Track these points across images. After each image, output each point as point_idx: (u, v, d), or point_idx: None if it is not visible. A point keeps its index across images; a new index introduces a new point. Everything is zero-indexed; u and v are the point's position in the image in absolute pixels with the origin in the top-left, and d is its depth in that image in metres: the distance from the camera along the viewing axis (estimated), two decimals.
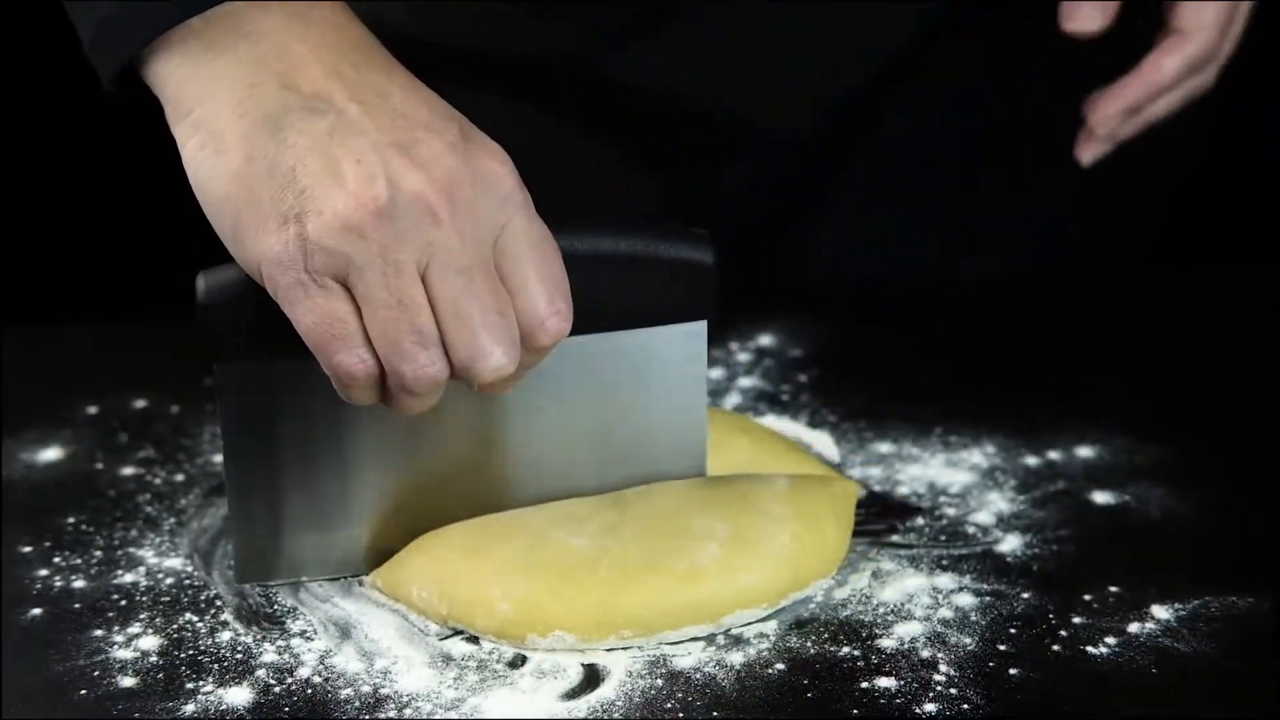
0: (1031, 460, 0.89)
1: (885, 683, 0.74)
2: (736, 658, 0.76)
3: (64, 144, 1.66)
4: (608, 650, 0.76)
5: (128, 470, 0.90)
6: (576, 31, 0.96)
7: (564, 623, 0.76)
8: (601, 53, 0.99)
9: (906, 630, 0.77)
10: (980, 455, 0.90)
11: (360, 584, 0.81)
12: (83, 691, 0.74)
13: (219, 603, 0.79)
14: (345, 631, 0.78)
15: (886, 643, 0.76)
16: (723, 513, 0.79)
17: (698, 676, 0.75)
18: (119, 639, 0.77)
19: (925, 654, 0.75)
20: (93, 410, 0.95)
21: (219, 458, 0.91)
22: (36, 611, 0.79)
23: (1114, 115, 0.97)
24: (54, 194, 1.67)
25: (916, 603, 0.79)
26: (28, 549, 0.83)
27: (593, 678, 0.75)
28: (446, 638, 0.77)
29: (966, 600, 0.79)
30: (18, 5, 1.61)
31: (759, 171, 1.08)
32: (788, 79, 1.03)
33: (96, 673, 0.75)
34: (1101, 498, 0.86)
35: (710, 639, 0.77)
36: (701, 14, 0.99)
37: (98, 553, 0.83)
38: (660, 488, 0.82)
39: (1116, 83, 0.97)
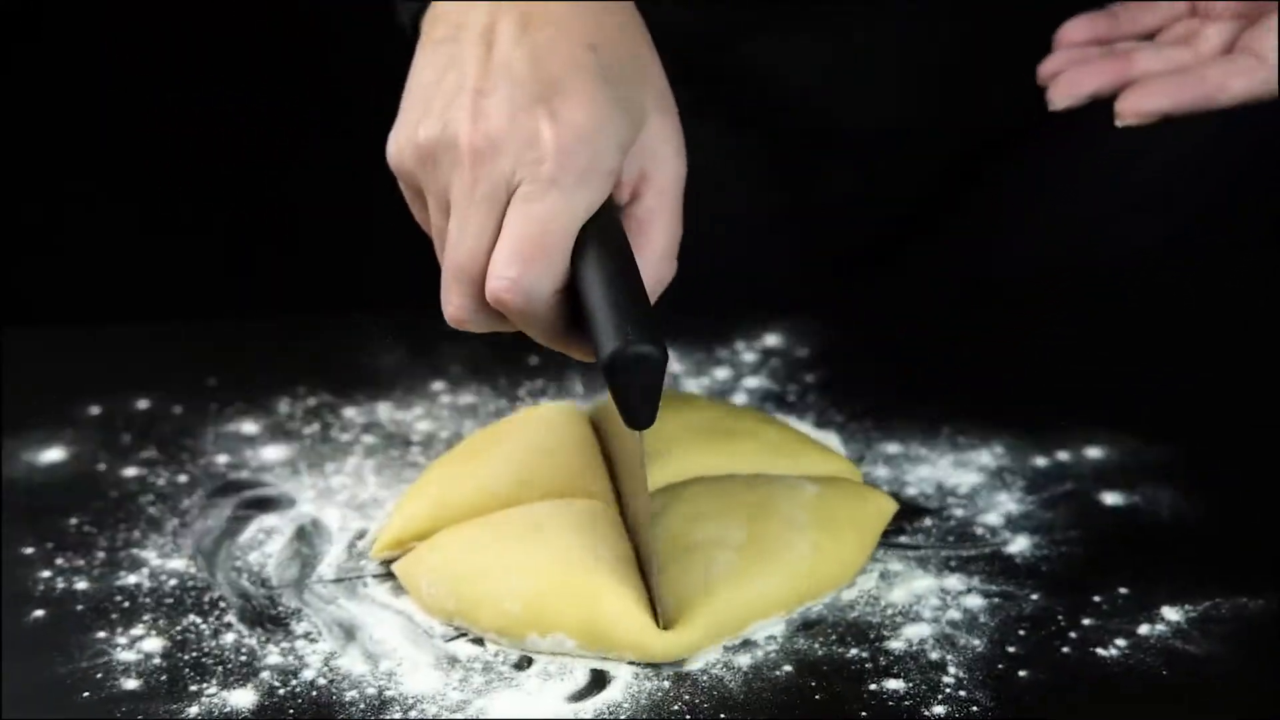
0: (1040, 461, 0.89)
1: (894, 685, 0.73)
2: (744, 659, 0.75)
3: (68, 146, 1.66)
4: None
5: (130, 471, 0.90)
6: (702, 17, 0.99)
7: (567, 627, 0.75)
8: (722, 40, 1.02)
9: (915, 632, 0.77)
10: (989, 456, 0.90)
11: (365, 585, 0.81)
12: (85, 694, 0.74)
13: (222, 604, 0.79)
14: (350, 633, 0.77)
15: (895, 644, 0.76)
16: (742, 517, 0.79)
17: (705, 678, 0.74)
18: (122, 641, 0.77)
19: (934, 656, 0.75)
20: (95, 411, 0.95)
21: (222, 458, 0.91)
22: (39, 613, 0.79)
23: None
24: (55, 195, 1.67)
25: (925, 604, 0.78)
26: (30, 550, 0.83)
27: (599, 679, 0.74)
28: (452, 639, 0.77)
29: (975, 601, 0.79)
30: (18, 5, 1.61)
31: (860, 177, 1.10)
32: (888, 91, 1.05)
33: (99, 675, 0.75)
34: (1110, 498, 0.86)
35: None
36: (821, 16, 1.01)
37: (100, 554, 0.83)
38: (684, 489, 0.82)
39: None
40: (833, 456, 0.88)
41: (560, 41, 0.75)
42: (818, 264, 1.14)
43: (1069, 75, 0.88)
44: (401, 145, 0.76)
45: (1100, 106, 1.00)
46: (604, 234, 0.73)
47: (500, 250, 0.72)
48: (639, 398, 0.70)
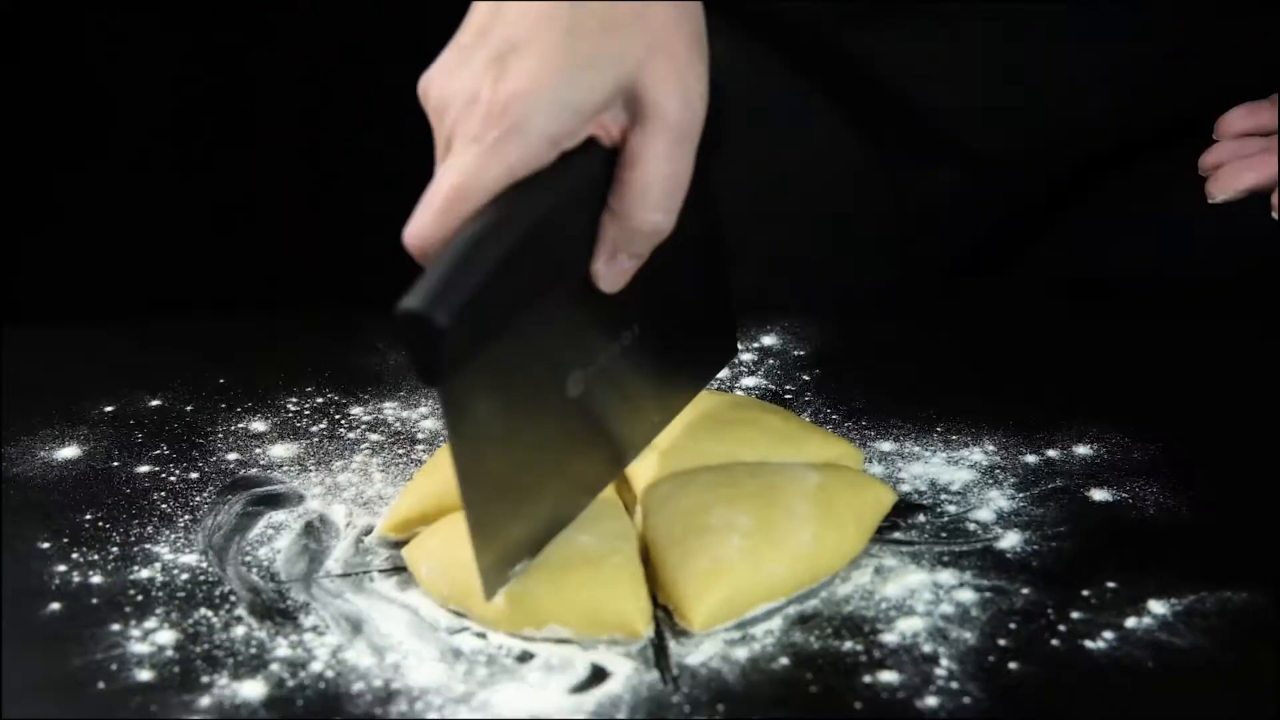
0: (1031, 458, 0.90)
1: (887, 677, 0.74)
2: (741, 652, 0.76)
3: (69, 145, 1.67)
4: (611, 646, 0.77)
5: (143, 468, 0.91)
6: (810, 6, 0.98)
7: (557, 617, 0.77)
8: (845, 24, 1.01)
9: (908, 625, 0.77)
10: (980, 453, 0.90)
11: (371, 580, 0.82)
12: (100, 685, 0.74)
13: (233, 598, 0.80)
14: (357, 626, 0.78)
15: (888, 638, 0.77)
16: (749, 505, 0.80)
17: (703, 671, 0.75)
18: (135, 633, 0.78)
19: (926, 649, 0.76)
20: (109, 409, 0.96)
21: (232, 455, 0.92)
22: (55, 606, 0.80)
23: None
24: (57, 195, 1.67)
25: (918, 598, 0.79)
26: (46, 545, 0.84)
27: (600, 673, 0.75)
28: (456, 632, 0.78)
29: (967, 596, 0.79)
30: (19, 6, 1.61)
31: (958, 181, 1.09)
32: (999, 99, 1.04)
33: (114, 666, 0.75)
34: (1099, 495, 0.87)
35: (713, 634, 0.77)
36: (945, 13, 1.01)
37: (114, 549, 0.84)
38: (694, 476, 0.83)
39: None
40: (834, 440, 0.89)
41: None
42: (812, 260, 1.14)
43: (1229, 169, 0.89)
44: (419, 92, 0.76)
45: None
46: (509, 199, 0.72)
47: (420, 202, 0.73)
48: (414, 354, 0.70)
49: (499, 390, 0.74)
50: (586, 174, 0.74)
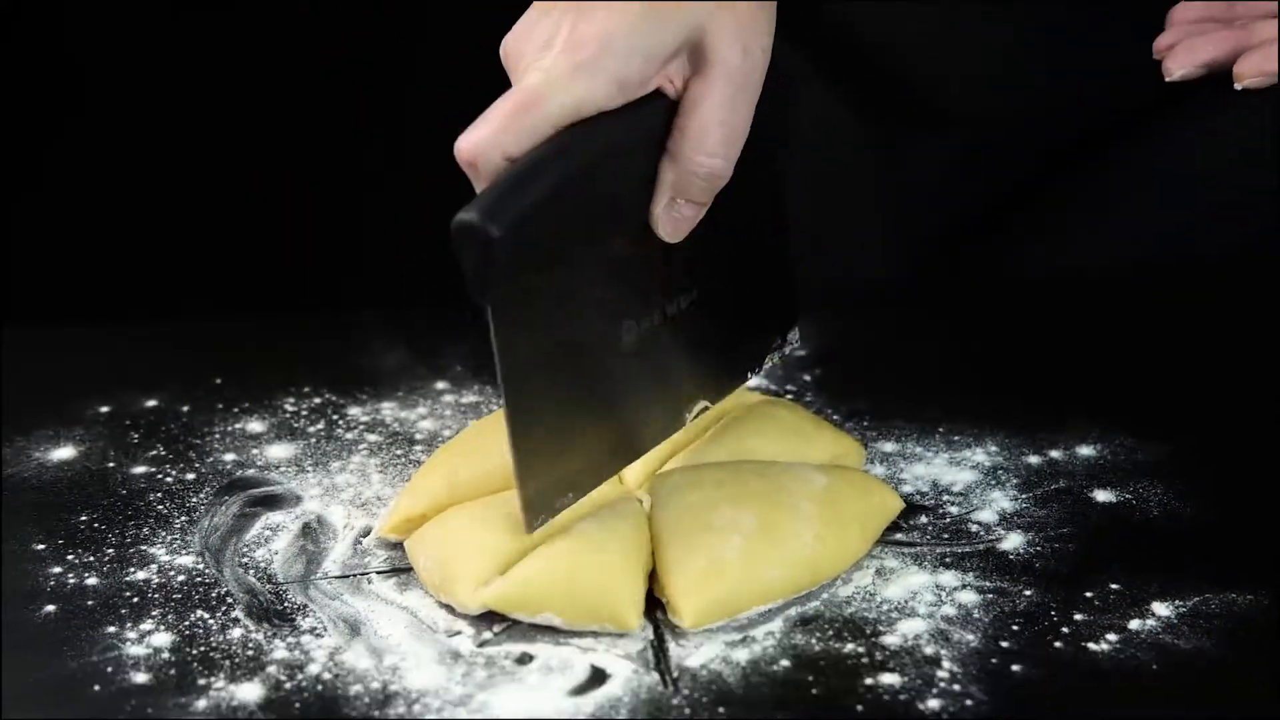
0: (1034, 459, 0.90)
1: (889, 679, 0.74)
2: (742, 654, 0.76)
3: (68, 145, 1.67)
4: (610, 648, 0.77)
5: (139, 469, 0.91)
6: None
7: (551, 604, 0.77)
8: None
9: (910, 627, 0.77)
10: (983, 454, 0.90)
11: (369, 581, 0.82)
12: (96, 687, 0.74)
13: (230, 600, 0.80)
14: (355, 628, 0.78)
15: (890, 639, 0.76)
16: (754, 505, 0.80)
17: (704, 673, 0.75)
18: (131, 635, 0.77)
19: (929, 650, 0.76)
20: (104, 409, 0.96)
21: (229, 456, 0.92)
22: (50, 608, 0.79)
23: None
24: (51, 195, 1.67)
25: (920, 600, 0.79)
26: (41, 546, 0.84)
27: (599, 674, 0.75)
28: (455, 635, 0.78)
29: (969, 597, 0.79)
30: (20, 6, 1.61)
31: (951, 153, 1.10)
32: (989, 74, 1.05)
33: (109, 669, 0.75)
34: (1103, 496, 0.87)
35: (713, 636, 0.77)
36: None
37: (110, 550, 0.84)
38: (702, 472, 0.83)
39: None
40: (841, 436, 0.89)
41: None
42: (813, 260, 1.14)
43: (1186, 44, 0.86)
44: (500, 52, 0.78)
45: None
46: (572, 133, 0.74)
47: (480, 116, 0.74)
48: (466, 267, 0.72)
49: (549, 319, 0.75)
50: (651, 124, 0.76)
